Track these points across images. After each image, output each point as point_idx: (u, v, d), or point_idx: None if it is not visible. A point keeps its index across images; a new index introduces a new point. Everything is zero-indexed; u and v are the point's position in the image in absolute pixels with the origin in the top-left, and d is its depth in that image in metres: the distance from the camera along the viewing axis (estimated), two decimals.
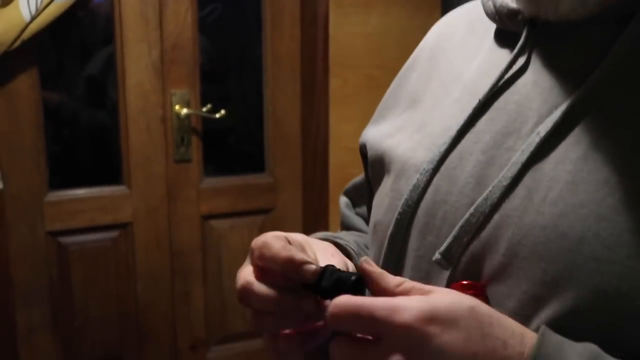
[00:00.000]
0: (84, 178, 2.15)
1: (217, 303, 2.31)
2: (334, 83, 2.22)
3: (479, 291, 0.51)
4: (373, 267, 0.48)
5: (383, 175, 0.66)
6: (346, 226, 0.83)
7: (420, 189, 0.58)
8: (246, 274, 0.55)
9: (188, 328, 2.29)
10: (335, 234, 0.71)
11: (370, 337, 0.45)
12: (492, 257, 0.51)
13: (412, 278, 0.56)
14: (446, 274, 0.54)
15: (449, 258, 0.53)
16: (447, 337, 0.42)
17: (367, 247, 0.75)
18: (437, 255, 0.54)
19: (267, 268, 0.54)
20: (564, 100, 0.52)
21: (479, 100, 0.57)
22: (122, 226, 2.16)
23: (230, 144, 2.42)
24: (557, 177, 0.50)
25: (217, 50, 2.33)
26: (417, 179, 0.58)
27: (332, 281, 0.50)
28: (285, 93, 2.32)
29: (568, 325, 0.46)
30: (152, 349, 2.25)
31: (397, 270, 0.59)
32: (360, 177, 0.81)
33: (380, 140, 0.68)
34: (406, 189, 0.59)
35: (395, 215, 0.59)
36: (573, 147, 0.50)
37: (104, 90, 2.17)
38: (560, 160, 0.50)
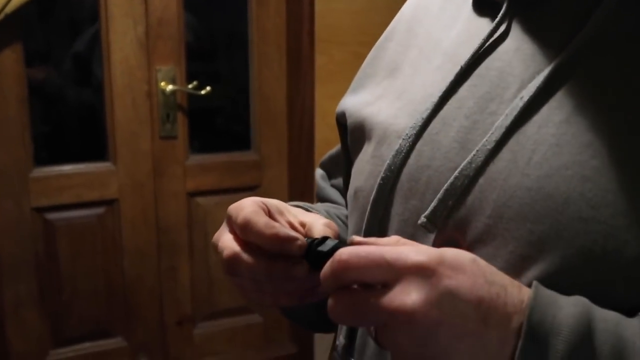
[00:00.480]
0: (70, 154, 2.15)
1: (203, 279, 2.33)
2: (319, 60, 2.22)
3: None
4: (364, 239, 0.49)
5: (363, 143, 0.66)
6: (321, 198, 0.84)
7: (403, 154, 0.58)
8: (230, 243, 0.55)
9: (175, 304, 2.31)
10: (306, 204, 0.71)
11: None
12: (477, 219, 0.52)
13: None
14: (431, 237, 0.55)
15: (434, 221, 0.54)
16: (457, 280, 0.43)
17: (338, 218, 0.75)
18: (422, 219, 0.54)
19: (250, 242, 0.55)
20: (546, 65, 0.53)
21: (461, 67, 0.58)
22: (109, 202, 2.16)
23: (216, 120, 2.42)
24: (541, 140, 0.51)
25: (202, 27, 2.32)
26: (400, 144, 0.59)
27: (317, 252, 0.51)
28: (271, 70, 2.31)
29: (555, 284, 0.47)
30: (139, 325, 2.27)
31: (381, 235, 0.60)
32: (336, 148, 0.82)
33: (360, 108, 0.68)
34: (388, 154, 0.60)
35: (378, 180, 0.60)
36: (556, 110, 0.51)
37: (90, 66, 2.15)
38: (543, 123, 0.51)
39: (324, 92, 2.23)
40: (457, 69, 0.58)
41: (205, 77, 2.22)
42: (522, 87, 0.54)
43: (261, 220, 0.53)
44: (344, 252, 0.45)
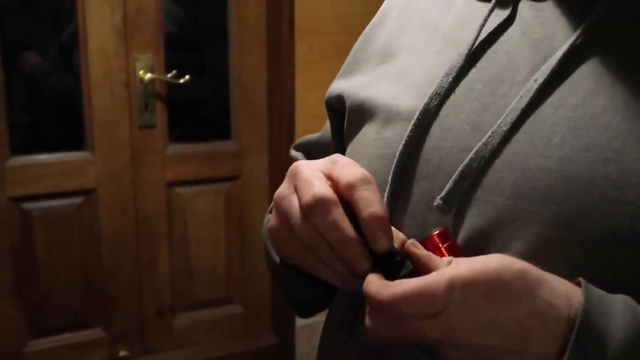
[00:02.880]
0: (47, 143, 2.12)
1: (183, 270, 2.32)
2: (300, 49, 2.21)
3: (454, 244, 0.51)
4: (420, 250, 0.48)
5: (361, 125, 0.65)
6: None
7: (415, 139, 0.58)
8: (326, 186, 0.49)
9: (154, 294, 2.29)
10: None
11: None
12: (496, 200, 0.52)
13: (409, 225, 0.57)
14: (445, 219, 0.54)
15: (450, 203, 0.53)
16: (498, 309, 0.43)
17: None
18: (438, 201, 0.53)
19: None
20: (557, 49, 0.53)
21: (469, 50, 0.58)
22: (86, 192, 2.14)
23: (196, 110, 2.40)
24: (558, 122, 0.51)
25: (182, 16, 2.29)
26: (412, 130, 0.58)
27: (388, 264, 0.48)
28: (250, 59, 2.30)
29: (583, 267, 0.47)
30: (118, 315, 2.25)
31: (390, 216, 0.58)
32: (315, 134, 0.81)
33: (357, 91, 0.67)
34: (394, 137, 0.59)
35: (392, 167, 0.58)
36: (571, 93, 0.51)
37: (68, 55, 2.12)
38: (559, 106, 0.51)
39: (304, 81, 2.22)
40: (460, 52, 0.58)
41: (185, 66, 2.20)
42: (533, 70, 0.54)
43: (345, 221, 0.49)
44: (394, 293, 0.44)
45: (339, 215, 0.48)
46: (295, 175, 0.52)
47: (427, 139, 0.57)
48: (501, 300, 0.43)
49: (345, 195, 0.49)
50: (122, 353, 2.25)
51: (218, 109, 2.41)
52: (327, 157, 0.53)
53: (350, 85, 0.70)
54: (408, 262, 0.48)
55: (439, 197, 0.54)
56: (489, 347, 0.43)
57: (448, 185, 0.53)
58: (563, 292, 0.45)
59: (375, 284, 0.46)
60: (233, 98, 2.32)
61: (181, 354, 2.36)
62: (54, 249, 2.12)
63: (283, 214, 0.52)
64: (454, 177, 0.53)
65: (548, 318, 0.44)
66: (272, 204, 0.66)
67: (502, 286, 0.43)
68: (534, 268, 0.45)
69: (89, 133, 2.11)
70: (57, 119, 2.22)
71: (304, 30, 2.19)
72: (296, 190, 0.51)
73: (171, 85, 2.18)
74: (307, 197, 0.49)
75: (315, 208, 0.48)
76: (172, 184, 2.26)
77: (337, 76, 0.74)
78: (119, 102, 2.12)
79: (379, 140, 0.61)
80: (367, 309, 0.47)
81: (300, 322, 2.41)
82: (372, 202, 0.48)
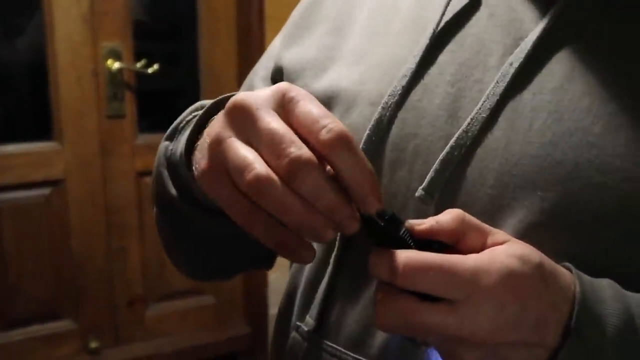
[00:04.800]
0: (13, 134, 2.09)
1: (154, 260, 2.30)
2: (270, 37, 2.20)
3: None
4: (424, 224, 0.44)
5: None
6: None
7: (384, 124, 0.55)
8: (303, 149, 0.42)
9: (125, 285, 2.28)
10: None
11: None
12: (479, 190, 0.50)
13: None
14: (425, 210, 0.52)
15: (432, 193, 0.51)
16: (522, 305, 0.42)
17: None
18: (420, 191, 0.51)
19: None
20: (527, 32, 0.52)
21: (434, 30, 0.55)
22: (55, 183, 2.11)
23: (166, 99, 2.38)
24: (538, 107, 0.50)
25: (151, 5, 2.27)
26: (380, 113, 0.55)
27: (382, 230, 0.44)
28: (220, 47, 2.29)
29: (569, 251, 0.47)
30: (89, 306, 2.23)
31: None
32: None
33: (305, 66, 0.63)
34: (361, 121, 0.56)
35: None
36: (547, 77, 0.50)
37: (34, 43, 2.09)
38: (537, 90, 0.50)
39: None
40: (425, 33, 0.56)
41: (154, 55, 2.18)
42: (505, 53, 0.52)
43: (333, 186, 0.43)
44: (411, 262, 0.41)
45: (325, 178, 0.42)
46: (243, 117, 0.44)
47: (400, 125, 0.55)
48: (525, 295, 0.42)
49: (323, 156, 0.42)
50: (93, 344, 2.23)
51: (188, 98, 2.39)
52: (275, 89, 0.45)
53: (294, 58, 0.65)
54: (399, 218, 0.44)
55: (420, 187, 0.52)
56: (511, 343, 0.42)
57: (430, 175, 0.51)
58: (564, 285, 0.44)
59: (387, 252, 0.42)
60: (203, 87, 2.31)
61: (153, 344, 2.35)
62: (23, 241, 2.09)
63: (222, 162, 0.44)
64: (434, 166, 0.51)
65: (561, 309, 0.43)
66: (173, 129, 0.61)
67: (525, 280, 0.42)
68: (546, 258, 0.44)
69: (56, 123, 2.09)
70: (23, 108, 2.19)
71: (274, 18, 2.19)
72: (250, 137, 0.43)
73: (140, 75, 2.16)
74: (285, 161, 0.41)
75: (297, 174, 0.41)
76: (142, 174, 2.24)
77: (280, 43, 0.68)
78: (86, 92, 2.09)
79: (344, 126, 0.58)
80: (378, 296, 0.43)
81: (273, 311, 2.42)
82: (357, 161, 0.42)
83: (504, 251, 0.43)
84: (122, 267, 2.26)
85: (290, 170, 0.41)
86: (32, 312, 2.16)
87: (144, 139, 2.22)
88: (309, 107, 0.43)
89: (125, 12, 2.11)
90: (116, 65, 2.10)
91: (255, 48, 2.21)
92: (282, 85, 0.45)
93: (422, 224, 0.44)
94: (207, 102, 0.57)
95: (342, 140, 0.42)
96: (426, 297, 0.42)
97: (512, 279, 0.42)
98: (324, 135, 0.42)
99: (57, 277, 2.17)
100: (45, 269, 2.14)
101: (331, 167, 0.43)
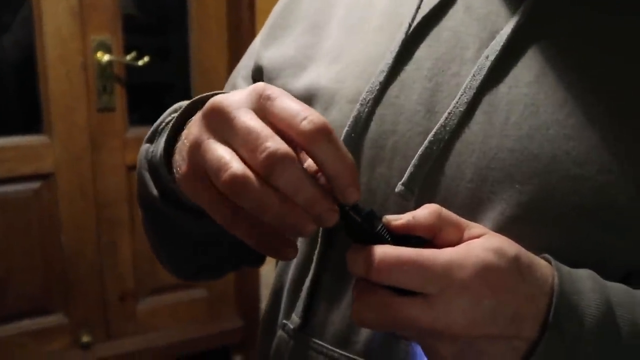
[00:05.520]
0: (2, 127, 2.07)
1: (145, 254, 2.30)
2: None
3: None
4: (401, 219, 0.45)
5: None
6: None
7: (362, 120, 0.55)
8: (280, 144, 0.41)
9: (116, 279, 2.27)
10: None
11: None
12: (458, 184, 0.51)
13: None
14: (406, 205, 0.52)
15: (412, 188, 0.51)
16: (497, 298, 0.42)
17: None
18: (400, 187, 0.52)
19: None
20: (504, 24, 0.52)
21: (409, 24, 0.55)
22: (44, 177, 2.10)
23: (156, 93, 2.37)
24: (515, 100, 0.50)
25: None
26: (358, 110, 0.55)
27: (358, 226, 0.44)
28: (211, 41, 2.28)
29: (548, 243, 0.47)
30: (80, 301, 2.23)
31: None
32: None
33: (284, 66, 0.63)
34: (340, 119, 0.56)
35: None
36: (523, 71, 0.51)
37: (22, 36, 2.07)
38: (513, 84, 0.51)
39: None
40: (402, 29, 0.56)
41: (145, 49, 2.17)
42: (481, 46, 0.53)
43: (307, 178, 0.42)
44: (385, 256, 0.42)
45: (303, 172, 0.42)
46: (220, 119, 0.44)
47: (378, 122, 0.55)
48: (501, 288, 0.42)
49: (303, 147, 0.42)
50: (84, 339, 2.23)
51: (179, 92, 2.38)
52: (251, 89, 0.45)
53: (273, 57, 0.65)
54: (376, 214, 0.44)
55: (400, 182, 0.52)
56: (487, 336, 0.42)
57: (409, 170, 0.52)
58: (541, 277, 0.44)
59: (364, 249, 0.43)
60: (194, 80, 2.30)
61: (145, 338, 2.34)
62: (12, 235, 2.08)
63: (201, 165, 0.44)
64: (413, 161, 0.52)
65: (538, 301, 0.43)
66: (153, 131, 0.61)
67: (500, 274, 0.43)
68: (523, 250, 0.45)
69: (46, 116, 2.07)
70: (13, 102, 2.17)
71: (265, 12, 2.16)
72: (227, 138, 0.43)
73: (130, 68, 2.15)
74: (262, 156, 0.41)
75: (275, 168, 0.41)
76: (132, 167, 2.23)
77: (260, 43, 0.69)
78: (76, 85, 2.08)
79: None
80: (355, 292, 0.44)
81: (265, 304, 2.41)
82: (338, 152, 0.42)
83: (480, 245, 0.43)
84: (112, 261, 2.25)
85: (267, 165, 0.41)
86: (22, 307, 2.15)
87: (135, 132, 2.21)
88: (286, 102, 0.43)
89: (114, 5, 2.10)
90: (106, 58, 2.09)
91: (246, 42, 2.20)
92: (258, 85, 0.45)
93: (399, 220, 0.44)
94: (185, 104, 0.57)
95: (323, 131, 0.42)
96: (404, 293, 0.42)
97: (487, 273, 0.42)
98: (305, 126, 0.41)
99: (47, 271, 2.16)
100: (35, 264, 2.13)
101: (312, 158, 0.43)
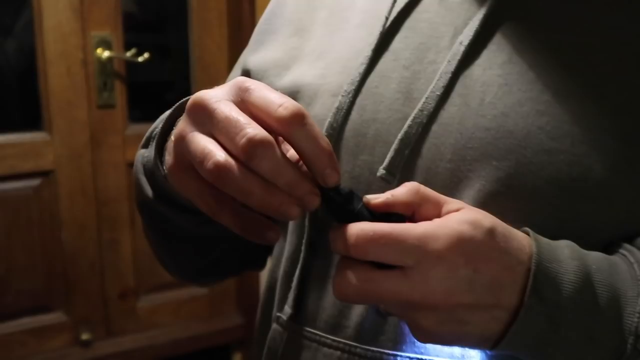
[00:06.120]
0: (2, 124, 2.07)
1: (146, 251, 2.27)
2: None
3: None
4: (380, 198, 0.46)
5: None
6: None
7: (344, 110, 0.57)
8: (258, 129, 0.43)
9: (117, 277, 2.27)
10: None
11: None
12: (437, 165, 0.53)
13: None
14: (388, 189, 0.53)
15: (393, 172, 0.53)
16: (474, 267, 0.43)
17: None
18: (381, 171, 0.53)
19: None
20: (476, 12, 0.54)
21: (386, 17, 0.58)
22: (45, 174, 2.09)
23: (157, 89, 2.37)
24: (489, 82, 0.52)
25: None
26: (340, 101, 0.57)
27: (338, 206, 0.46)
28: (211, 37, 2.27)
29: (527, 217, 0.49)
30: (80, 299, 2.22)
31: None
32: None
33: (270, 67, 0.65)
34: (323, 112, 0.58)
35: None
36: (496, 52, 0.53)
37: (22, 33, 2.07)
38: (487, 66, 0.53)
39: None
40: (381, 23, 0.58)
41: (145, 45, 2.16)
42: (456, 34, 0.55)
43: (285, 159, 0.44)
44: (360, 232, 0.43)
45: (283, 156, 0.43)
46: (202, 112, 0.45)
47: (359, 112, 0.57)
48: (477, 258, 0.44)
49: (280, 133, 0.44)
50: (84, 337, 2.22)
51: (179, 88, 2.38)
52: (231, 83, 0.47)
53: (259, 61, 0.67)
54: (357, 194, 0.46)
55: (381, 167, 0.54)
56: (465, 305, 0.44)
57: (389, 154, 0.53)
58: (518, 246, 0.45)
59: (343, 227, 0.45)
60: (194, 77, 2.29)
61: (146, 336, 2.34)
62: (12, 232, 2.08)
63: (186, 156, 0.46)
64: (394, 145, 0.53)
65: (516, 271, 0.45)
66: (148, 137, 0.64)
67: (475, 244, 0.44)
68: (500, 222, 0.46)
69: (45, 113, 2.07)
70: (13, 99, 2.17)
71: (265, 7, 2.17)
72: (210, 129, 0.45)
73: (131, 65, 2.14)
74: (242, 142, 0.42)
75: (255, 153, 0.42)
76: (133, 164, 2.21)
77: (248, 50, 0.72)
78: (76, 82, 2.07)
79: None
80: (337, 266, 0.46)
81: None
82: (314, 136, 0.44)
83: (456, 217, 0.45)
84: (113, 258, 2.25)
85: (248, 151, 0.42)
86: (23, 305, 2.14)
87: (135, 129, 2.21)
88: (264, 92, 0.45)
89: (115, 2, 2.09)
90: (106, 54, 2.08)
91: (247, 38, 2.18)
92: (239, 78, 0.47)
93: (378, 198, 0.46)
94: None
95: (298, 117, 0.43)
96: (385, 268, 0.44)
97: (462, 243, 0.43)
98: (280, 112, 0.43)
99: (47, 269, 2.15)
100: (36, 261, 2.13)
101: (290, 144, 0.45)
